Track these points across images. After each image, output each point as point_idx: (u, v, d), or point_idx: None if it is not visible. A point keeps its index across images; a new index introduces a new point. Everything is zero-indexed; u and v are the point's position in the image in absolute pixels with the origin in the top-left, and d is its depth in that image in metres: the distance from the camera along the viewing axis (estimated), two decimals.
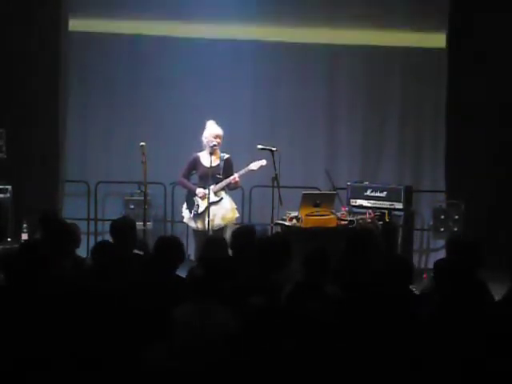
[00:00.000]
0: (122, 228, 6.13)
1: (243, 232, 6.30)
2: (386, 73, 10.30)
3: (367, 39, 10.18)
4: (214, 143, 7.99)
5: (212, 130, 8.06)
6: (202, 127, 8.15)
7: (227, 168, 8.09)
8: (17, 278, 4.74)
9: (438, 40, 10.11)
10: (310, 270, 5.04)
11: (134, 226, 6.35)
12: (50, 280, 4.84)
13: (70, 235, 6.08)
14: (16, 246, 8.54)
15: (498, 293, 4.96)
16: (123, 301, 4.67)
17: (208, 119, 8.14)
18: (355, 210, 8.74)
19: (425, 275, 8.77)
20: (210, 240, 6.52)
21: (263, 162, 8.03)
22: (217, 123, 8.11)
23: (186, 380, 4.23)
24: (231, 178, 8.02)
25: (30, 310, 4.43)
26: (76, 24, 10.14)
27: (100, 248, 5.47)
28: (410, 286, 8.00)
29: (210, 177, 7.93)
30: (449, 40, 9.94)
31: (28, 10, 9.76)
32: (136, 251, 6.10)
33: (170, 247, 5.38)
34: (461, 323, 4.32)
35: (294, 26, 10.16)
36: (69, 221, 7.75)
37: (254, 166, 8.05)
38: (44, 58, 9.83)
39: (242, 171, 8.07)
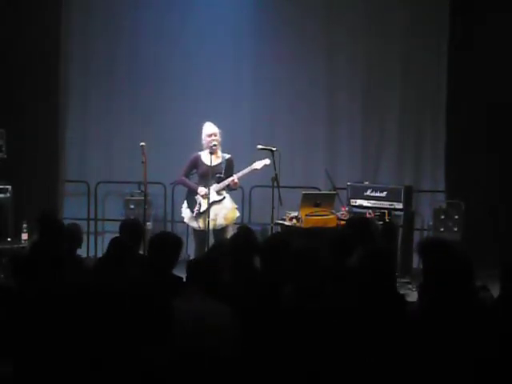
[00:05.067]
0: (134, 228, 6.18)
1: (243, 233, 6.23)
2: (386, 72, 10.29)
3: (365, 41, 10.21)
4: (214, 143, 7.98)
5: (207, 130, 8.06)
6: (202, 128, 8.15)
7: (228, 168, 8.08)
8: (28, 280, 4.73)
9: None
10: (302, 269, 4.99)
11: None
12: (58, 280, 4.82)
13: (70, 235, 6.08)
14: (16, 246, 8.59)
15: (497, 292, 4.96)
16: (126, 300, 4.66)
17: (208, 119, 8.13)
18: (355, 209, 8.74)
19: None
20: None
21: (267, 162, 8.00)
22: (215, 123, 8.10)
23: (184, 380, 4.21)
24: (230, 179, 8.01)
25: (40, 310, 4.42)
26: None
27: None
28: (410, 286, 8.08)
29: (210, 176, 7.92)
30: (449, 40, 9.94)
31: (27, 10, 9.77)
32: None
33: (165, 244, 5.32)
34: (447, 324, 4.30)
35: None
36: (69, 221, 7.76)
37: (258, 165, 8.02)
38: (44, 58, 9.83)
39: (246, 170, 8.04)
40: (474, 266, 4.67)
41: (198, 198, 8.06)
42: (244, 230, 6.19)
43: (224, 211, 8.04)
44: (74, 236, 6.12)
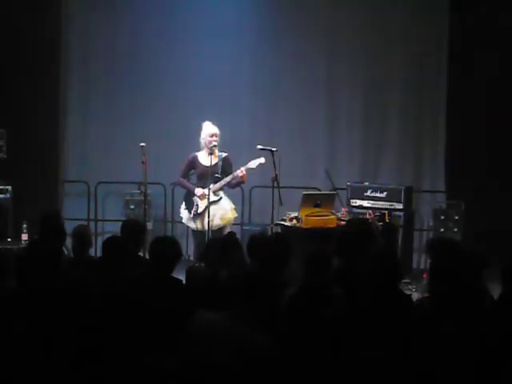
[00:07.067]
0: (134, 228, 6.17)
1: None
2: (386, 72, 10.28)
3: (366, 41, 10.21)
4: (214, 143, 7.99)
5: (209, 130, 8.06)
6: (201, 127, 8.15)
7: (226, 166, 8.08)
8: (28, 279, 4.73)
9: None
10: (312, 271, 4.97)
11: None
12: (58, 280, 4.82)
13: (78, 237, 6.09)
14: (16, 246, 8.59)
15: (497, 293, 4.96)
16: (126, 301, 4.65)
17: (208, 119, 8.14)
18: (355, 210, 8.75)
19: (425, 275, 8.76)
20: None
21: (262, 160, 8.02)
22: (213, 123, 8.10)
23: None
24: (238, 171, 7.98)
25: (41, 310, 4.42)
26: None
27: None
28: (410, 286, 8.09)
29: (209, 176, 7.92)
30: (449, 41, 9.94)
31: (28, 10, 9.78)
32: None
33: (164, 246, 5.28)
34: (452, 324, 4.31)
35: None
36: (69, 221, 7.77)
37: (253, 164, 8.02)
38: (44, 58, 9.84)
39: (242, 169, 8.05)
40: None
41: (196, 199, 8.06)
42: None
43: (221, 211, 8.03)
44: (82, 238, 6.11)
